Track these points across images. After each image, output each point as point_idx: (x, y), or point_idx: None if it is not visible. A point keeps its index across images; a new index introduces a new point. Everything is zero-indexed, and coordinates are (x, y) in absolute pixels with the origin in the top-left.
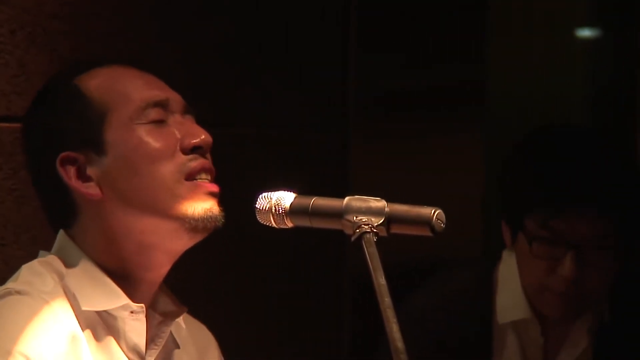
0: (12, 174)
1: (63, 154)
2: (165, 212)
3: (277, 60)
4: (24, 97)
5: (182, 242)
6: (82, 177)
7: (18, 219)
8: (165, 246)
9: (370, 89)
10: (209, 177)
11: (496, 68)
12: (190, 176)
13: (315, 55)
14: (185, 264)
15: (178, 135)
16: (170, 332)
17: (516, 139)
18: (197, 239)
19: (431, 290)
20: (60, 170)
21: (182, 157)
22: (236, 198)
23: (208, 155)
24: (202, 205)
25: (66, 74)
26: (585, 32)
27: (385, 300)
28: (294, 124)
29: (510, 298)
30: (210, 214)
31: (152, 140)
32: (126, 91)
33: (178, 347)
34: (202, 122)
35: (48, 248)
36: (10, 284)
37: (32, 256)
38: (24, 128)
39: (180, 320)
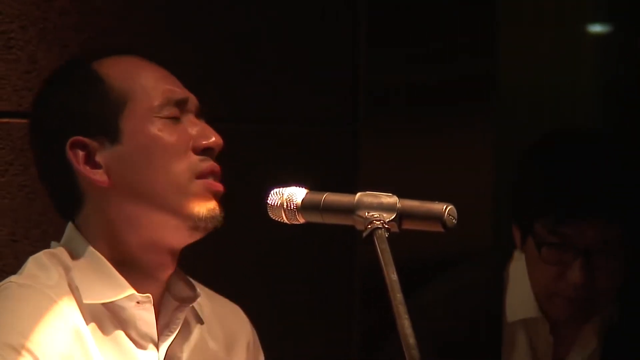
0: (22, 170)
1: (74, 138)
2: (172, 208)
3: (287, 56)
4: (35, 93)
5: (181, 239)
6: (91, 162)
7: (28, 215)
8: (165, 242)
9: (380, 84)
10: (216, 179)
11: (506, 63)
12: (201, 176)
13: (325, 50)
14: (193, 260)
15: (191, 134)
16: (194, 311)
17: (526, 133)
18: (195, 237)
19: (439, 286)
20: (70, 153)
21: (194, 157)
22: (245, 194)
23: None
24: (206, 206)
25: (83, 58)
26: (595, 28)
27: (397, 296)
28: (304, 119)
29: (520, 297)
30: (213, 214)
31: (167, 135)
32: (146, 83)
33: (202, 322)
34: (211, 117)
35: None
36: (13, 278)
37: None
38: (35, 108)
39: (203, 300)
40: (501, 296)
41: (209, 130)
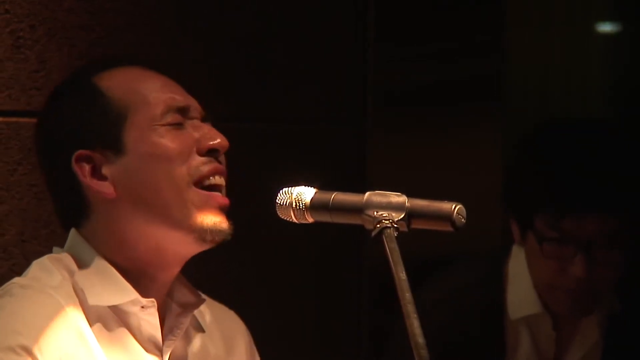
0: (31, 170)
1: (79, 152)
2: (176, 219)
3: (295, 55)
4: (43, 92)
5: (191, 249)
6: (97, 175)
7: (37, 215)
8: (175, 250)
9: (389, 82)
10: (222, 180)
11: (514, 61)
12: (201, 181)
13: (333, 49)
14: (201, 260)
15: (195, 137)
16: (195, 319)
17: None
18: (205, 247)
19: (438, 285)
20: (75, 167)
21: (197, 160)
22: (253, 193)
23: (222, 158)
24: (211, 218)
25: (83, 72)
26: (604, 26)
27: (406, 296)
28: (312, 118)
29: (521, 293)
30: (220, 227)
31: (169, 142)
32: (147, 93)
33: (203, 331)
34: (218, 117)
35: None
36: (16, 279)
37: (51, 252)
38: (40, 124)
39: (204, 307)
40: (502, 293)
41: (213, 131)
